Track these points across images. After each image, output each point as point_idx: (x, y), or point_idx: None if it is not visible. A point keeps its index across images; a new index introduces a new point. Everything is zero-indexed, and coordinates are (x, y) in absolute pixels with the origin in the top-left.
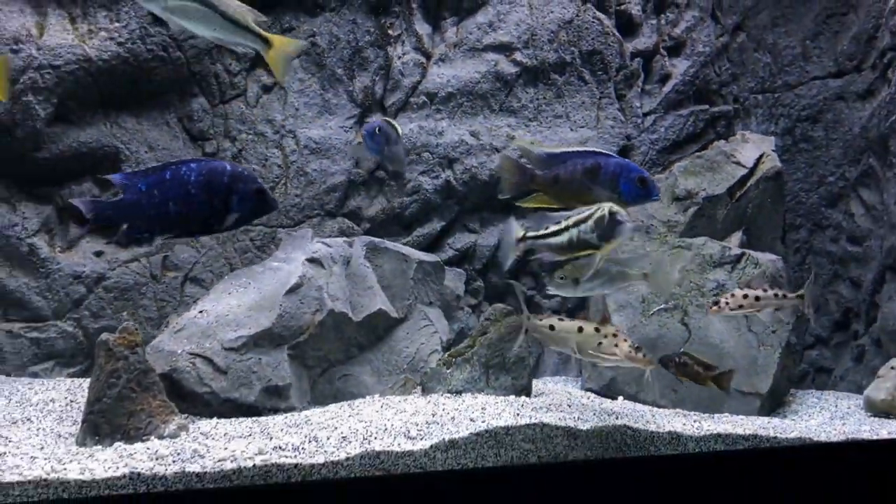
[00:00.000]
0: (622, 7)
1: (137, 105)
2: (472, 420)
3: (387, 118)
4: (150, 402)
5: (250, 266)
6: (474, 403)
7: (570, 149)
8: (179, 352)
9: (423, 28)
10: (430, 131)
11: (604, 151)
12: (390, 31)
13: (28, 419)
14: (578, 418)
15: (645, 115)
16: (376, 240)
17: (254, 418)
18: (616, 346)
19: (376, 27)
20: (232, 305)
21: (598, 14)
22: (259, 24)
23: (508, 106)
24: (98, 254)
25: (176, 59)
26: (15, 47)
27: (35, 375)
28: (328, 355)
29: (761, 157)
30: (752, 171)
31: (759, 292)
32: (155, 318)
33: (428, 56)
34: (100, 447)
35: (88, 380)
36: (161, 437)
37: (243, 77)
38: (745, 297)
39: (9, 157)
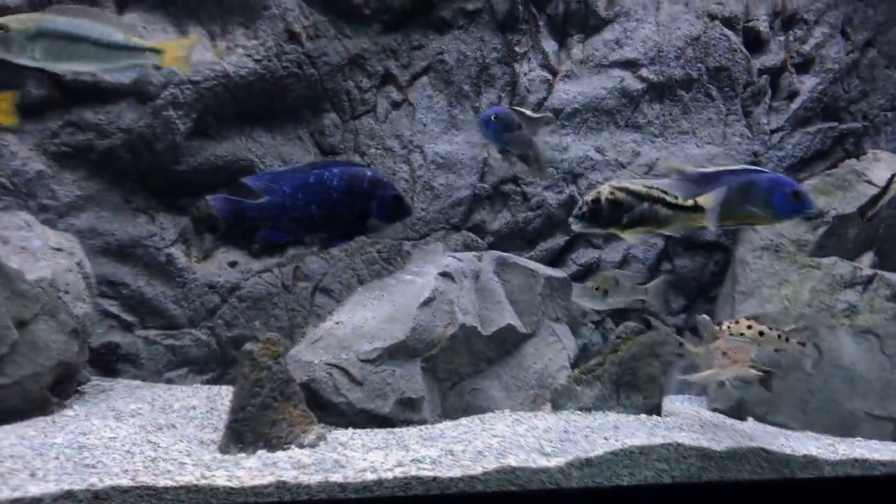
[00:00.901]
0: (750, 24)
1: (272, 120)
2: (605, 438)
3: (515, 106)
4: (292, 412)
5: (382, 279)
6: (606, 421)
7: (722, 168)
8: (317, 362)
9: (549, 45)
10: (556, 146)
11: (756, 168)
12: (517, 49)
13: (172, 425)
14: (712, 439)
15: (772, 131)
16: (505, 254)
17: (388, 429)
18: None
19: (503, 44)
20: (367, 317)
21: (726, 31)
22: (134, 30)
23: (634, 122)
24: (232, 264)
25: (310, 76)
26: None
27: (170, 381)
28: (458, 369)
29: (894, 176)
30: (884, 190)
31: (764, 328)
32: (286, 328)
33: (554, 72)
34: (243, 454)
35: (227, 387)
36: (301, 447)
37: (373, 93)
38: (749, 327)
39: (149, 169)
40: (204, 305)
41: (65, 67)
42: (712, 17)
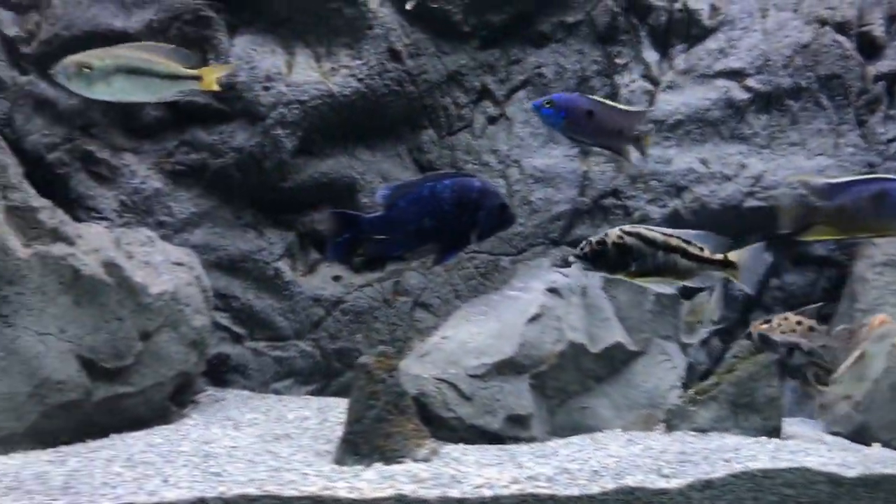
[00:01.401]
0: (864, 28)
1: (372, 137)
2: (726, 460)
3: (600, 98)
4: (406, 425)
5: (486, 294)
6: (724, 443)
7: (853, 177)
8: (426, 376)
9: (650, 56)
10: (658, 159)
11: (889, 177)
12: (617, 60)
13: (288, 435)
14: (840, 464)
15: (889, 141)
16: None
17: (499, 446)
18: None
19: (603, 56)
20: (473, 332)
21: (838, 37)
22: (181, 56)
23: (740, 133)
24: (336, 278)
25: (409, 93)
26: (267, 84)
27: (277, 392)
28: (566, 386)
29: None
30: None
31: (814, 323)
32: (387, 341)
33: (656, 83)
34: (360, 466)
35: (336, 399)
36: (415, 460)
37: (470, 109)
38: (799, 323)
39: (258, 186)
40: (309, 318)
41: (129, 99)
42: (823, 22)
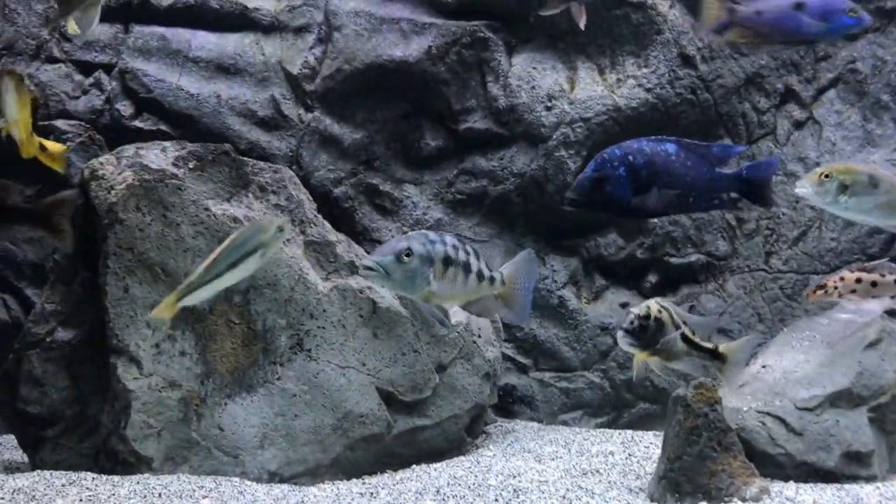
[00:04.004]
0: None
1: None
2: None
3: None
4: (731, 463)
5: (811, 318)
6: None
7: None
8: (746, 409)
9: None
10: None
11: None
12: None
13: (596, 471)
14: None
15: None
16: None
17: (836, 485)
18: None
19: None
20: (799, 360)
21: None
22: None
23: None
24: (623, 305)
25: (703, 101)
26: (549, 104)
27: (565, 424)
28: None
29: None
30: None
31: (877, 276)
32: (681, 371)
33: None
34: None
35: (640, 432)
36: (744, 500)
37: (772, 114)
38: (859, 280)
39: (539, 211)
40: (596, 347)
41: None
42: None
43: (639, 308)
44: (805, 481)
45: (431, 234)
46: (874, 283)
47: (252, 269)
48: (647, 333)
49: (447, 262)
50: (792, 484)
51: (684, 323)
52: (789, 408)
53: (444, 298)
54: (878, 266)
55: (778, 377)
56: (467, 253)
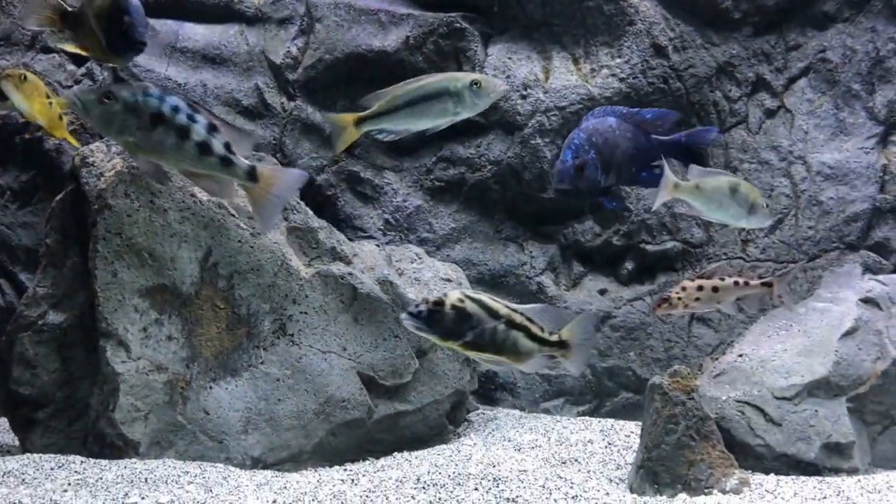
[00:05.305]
0: None
1: None
2: None
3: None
4: (710, 452)
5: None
6: None
7: None
8: (724, 398)
9: None
10: None
11: None
12: None
13: (575, 460)
14: None
15: None
16: None
17: (818, 478)
18: None
19: None
20: (776, 349)
21: None
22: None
23: None
24: (602, 292)
25: (675, 90)
26: (524, 93)
27: (547, 412)
28: (890, 410)
29: None
30: None
31: (717, 282)
32: (662, 360)
33: None
34: (663, 497)
35: (619, 421)
36: (724, 492)
37: (744, 103)
38: (700, 288)
39: (517, 199)
40: None
41: None
42: None
43: (435, 295)
44: (786, 473)
45: None
46: (715, 289)
47: (441, 118)
48: (444, 321)
49: None
50: (772, 476)
51: (529, 319)
52: (767, 397)
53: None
54: (717, 270)
55: (755, 366)
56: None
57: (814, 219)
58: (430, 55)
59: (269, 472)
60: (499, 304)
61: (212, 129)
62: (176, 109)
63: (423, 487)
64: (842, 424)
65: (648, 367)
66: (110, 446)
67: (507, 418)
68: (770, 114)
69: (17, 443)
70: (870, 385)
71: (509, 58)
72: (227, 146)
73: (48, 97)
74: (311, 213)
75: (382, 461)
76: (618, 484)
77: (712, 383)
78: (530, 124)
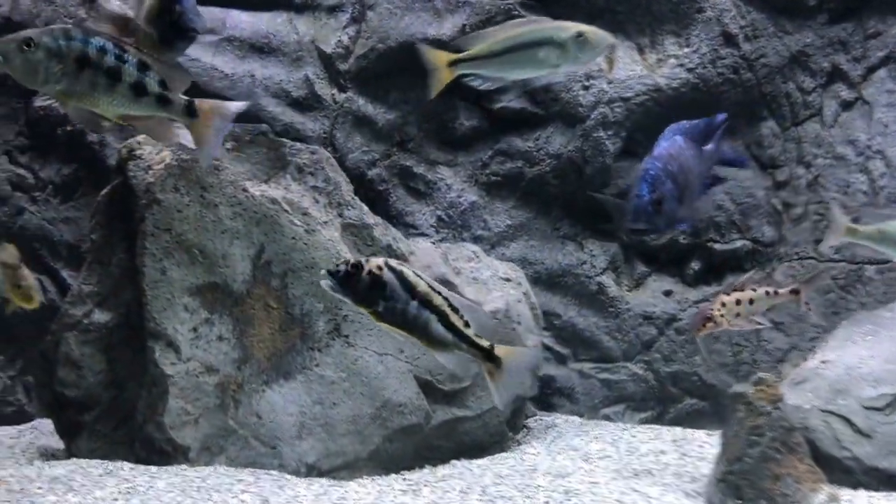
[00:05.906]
0: None
1: None
2: None
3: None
4: (797, 466)
5: (873, 311)
6: None
7: None
8: (808, 407)
9: None
10: None
11: None
12: None
13: (648, 472)
14: None
15: None
16: None
17: None
18: None
19: None
20: (862, 356)
21: None
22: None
23: None
24: (667, 293)
25: (746, 81)
26: (587, 83)
27: (607, 418)
28: None
29: None
30: None
31: (751, 293)
32: (730, 364)
33: None
34: None
35: (693, 431)
36: None
37: (819, 94)
38: (738, 302)
39: (577, 194)
40: (639, 337)
41: None
42: None
43: (359, 257)
44: (876, 489)
45: None
46: (751, 301)
47: (540, 69)
48: (358, 286)
49: None
50: (862, 492)
51: (452, 308)
52: (855, 407)
53: None
54: (747, 282)
55: (840, 374)
56: None
57: None
58: None
59: (325, 481)
60: (421, 280)
61: (143, 67)
62: (103, 50)
63: (491, 500)
64: None
65: (714, 371)
66: (159, 451)
67: (567, 425)
68: (847, 106)
69: (61, 446)
70: None
71: None
72: (163, 83)
73: None
74: (366, 209)
75: (441, 470)
76: (695, 498)
77: (793, 391)
78: (593, 116)
